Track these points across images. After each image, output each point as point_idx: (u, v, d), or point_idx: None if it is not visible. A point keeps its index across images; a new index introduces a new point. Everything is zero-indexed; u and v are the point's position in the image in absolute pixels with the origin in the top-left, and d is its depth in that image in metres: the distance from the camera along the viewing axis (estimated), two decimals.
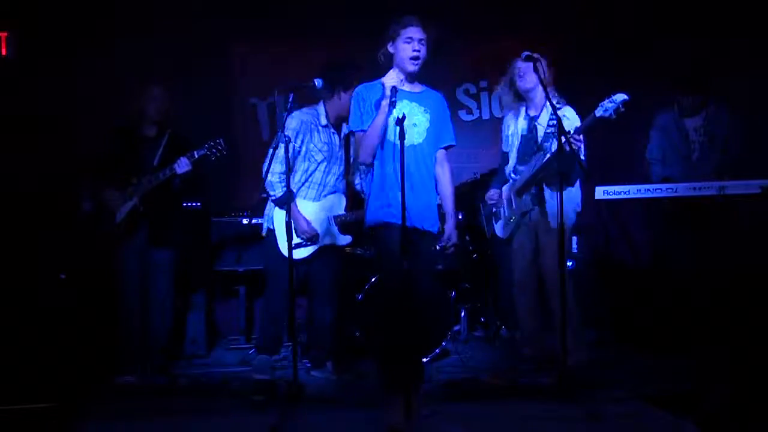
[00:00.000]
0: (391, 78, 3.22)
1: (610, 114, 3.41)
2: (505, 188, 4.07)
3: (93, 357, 4.05)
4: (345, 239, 4.09)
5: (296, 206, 3.96)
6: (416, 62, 3.23)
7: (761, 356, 3.66)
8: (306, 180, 4.02)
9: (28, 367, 3.82)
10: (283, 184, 3.90)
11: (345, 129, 4.10)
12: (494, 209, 4.17)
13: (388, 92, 3.18)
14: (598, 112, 3.45)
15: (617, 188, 3.96)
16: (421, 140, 3.26)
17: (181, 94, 4.53)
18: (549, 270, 3.76)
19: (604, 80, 3.74)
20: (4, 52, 4.86)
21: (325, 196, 4.06)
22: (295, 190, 3.99)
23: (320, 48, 5.14)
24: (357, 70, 3.94)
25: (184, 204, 4.62)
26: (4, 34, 4.86)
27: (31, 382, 3.62)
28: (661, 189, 3.97)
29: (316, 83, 3.55)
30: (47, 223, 4.49)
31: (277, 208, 4.00)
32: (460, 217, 4.80)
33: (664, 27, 5.12)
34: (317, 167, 4.02)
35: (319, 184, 4.05)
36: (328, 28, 5.21)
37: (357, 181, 4.11)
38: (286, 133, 3.69)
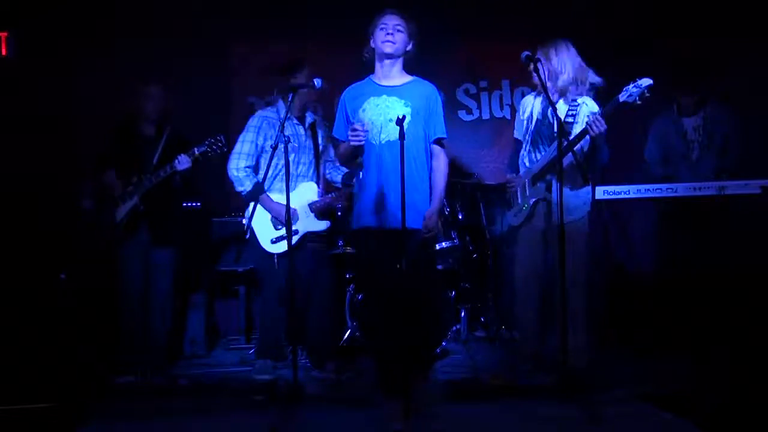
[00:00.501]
0: (357, 134, 3.16)
1: (635, 99, 3.30)
2: (521, 174, 3.89)
3: (93, 357, 4.05)
4: (324, 224, 4.12)
5: (269, 197, 4.00)
6: (390, 45, 3.22)
7: (761, 356, 3.66)
8: (276, 174, 4.03)
9: (28, 367, 3.82)
10: (251, 178, 3.96)
11: (309, 118, 4.16)
12: (508, 195, 3.99)
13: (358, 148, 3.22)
14: (622, 97, 3.33)
15: (617, 188, 3.95)
16: None
17: (181, 93, 4.53)
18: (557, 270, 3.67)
19: (604, 80, 3.73)
20: (4, 52, 4.85)
21: (296, 186, 4.08)
22: (267, 186, 4.02)
23: (320, 48, 5.14)
24: (301, 58, 4.09)
25: (184, 204, 4.62)
26: (4, 34, 4.85)
27: (31, 382, 3.62)
28: (661, 189, 3.96)
29: (316, 83, 3.55)
30: (47, 223, 4.49)
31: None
32: (460, 216, 4.80)
33: (664, 27, 5.12)
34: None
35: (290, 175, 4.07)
36: (328, 28, 5.20)
37: (327, 171, 4.25)
38: (249, 129, 4.03)
